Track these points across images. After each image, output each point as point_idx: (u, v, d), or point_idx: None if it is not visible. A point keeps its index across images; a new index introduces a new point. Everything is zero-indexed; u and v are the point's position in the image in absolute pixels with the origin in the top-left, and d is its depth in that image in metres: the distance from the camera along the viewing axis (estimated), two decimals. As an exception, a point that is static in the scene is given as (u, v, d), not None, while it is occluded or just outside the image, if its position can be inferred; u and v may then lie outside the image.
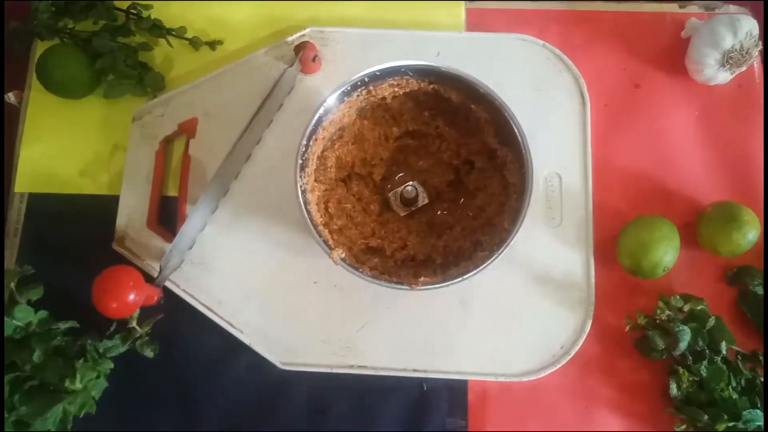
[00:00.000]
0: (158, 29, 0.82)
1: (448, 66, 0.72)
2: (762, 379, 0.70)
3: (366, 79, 0.72)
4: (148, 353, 0.72)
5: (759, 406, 0.68)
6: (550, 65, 0.81)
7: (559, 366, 0.73)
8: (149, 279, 0.73)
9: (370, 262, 0.71)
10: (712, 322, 0.71)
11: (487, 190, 0.76)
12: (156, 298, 0.73)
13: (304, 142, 0.70)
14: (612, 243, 0.75)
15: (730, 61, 0.77)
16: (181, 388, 0.74)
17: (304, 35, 0.82)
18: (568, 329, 0.74)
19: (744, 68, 0.78)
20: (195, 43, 0.83)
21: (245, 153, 0.78)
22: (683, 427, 0.70)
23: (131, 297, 0.68)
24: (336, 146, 0.76)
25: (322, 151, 0.75)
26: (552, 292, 0.75)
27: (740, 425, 0.67)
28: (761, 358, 0.72)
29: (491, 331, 0.74)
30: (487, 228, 0.73)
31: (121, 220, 0.77)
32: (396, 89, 0.75)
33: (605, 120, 0.81)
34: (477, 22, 0.84)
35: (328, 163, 0.75)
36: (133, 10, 0.82)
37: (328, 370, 0.73)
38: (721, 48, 0.76)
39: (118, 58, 0.79)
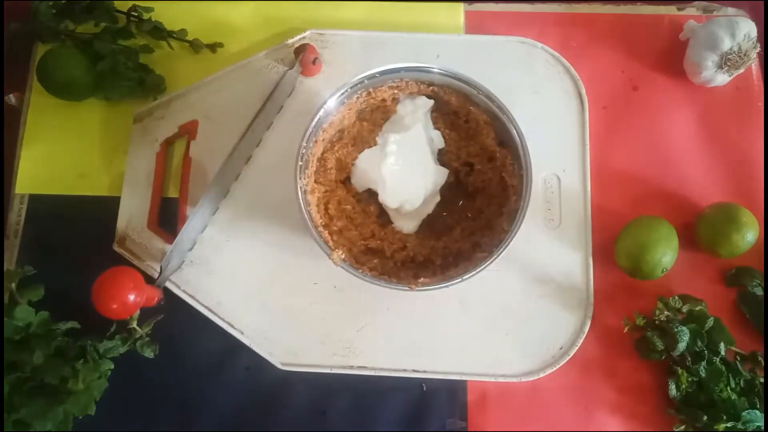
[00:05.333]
0: (159, 32, 0.83)
1: (447, 68, 0.73)
2: (761, 380, 0.70)
3: (366, 82, 0.73)
4: (149, 354, 0.72)
5: (758, 406, 0.68)
6: (548, 67, 0.82)
7: (558, 366, 0.73)
8: (150, 280, 0.73)
9: (370, 263, 0.72)
10: (711, 322, 0.71)
11: (486, 192, 0.76)
12: (156, 299, 0.73)
13: (304, 144, 0.70)
14: (611, 244, 0.76)
15: (729, 63, 0.77)
16: (181, 389, 0.74)
17: (304, 38, 0.83)
18: (567, 330, 0.74)
19: (742, 70, 0.78)
20: (196, 46, 0.83)
21: (246, 155, 0.79)
22: (682, 427, 0.70)
23: (131, 298, 0.68)
24: (336, 148, 0.76)
25: (322, 153, 0.75)
26: (551, 293, 0.75)
27: (739, 426, 0.67)
28: (761, 359, 0.72)
29: (490, 332, 0.74)
30: (486, 229, 0.73)
31: (122, 221, 0.78)
32: (395, 91, 0.75)
33: (604, 122, 0.81)
34: (476, 24, 0.85)
35: (328, 164, 0.75)
36: (134, 13, 0.83)
37: (328, 371, 0.73)
38: (720, 50, 0.77)
39: (119, 60, 0.79)
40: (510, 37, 0.83)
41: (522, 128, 0.71)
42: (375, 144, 0.78)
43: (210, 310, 0.75)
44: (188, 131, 0.80)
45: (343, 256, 0.69)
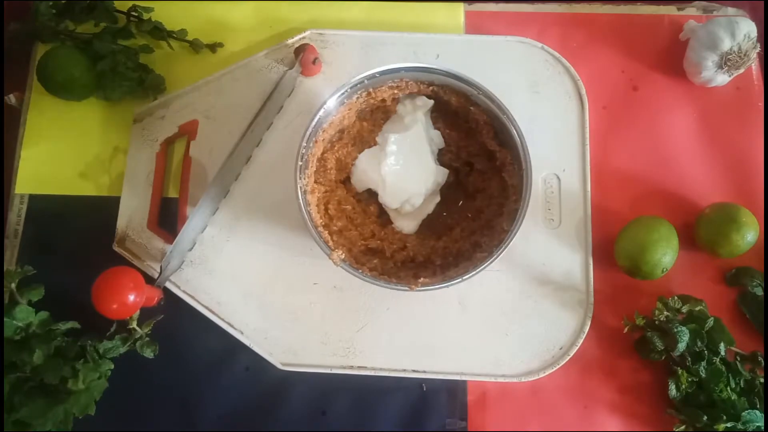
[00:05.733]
0: (159, 32, 0.83)
1: (447, 68, 0.73)
2: (761, 380, 0.70)
3: (365, 82, 0.73)
4: (148, 354, 0.72)
5: (758, 407, 0.68)
6: (548, 67, 0.82)
7: (558, 366, 0.73)
8: (149, 280, 0.73)
9: (370, 264, 0.72)
10: (710, 323, 0.71)
11: (486, 192, 0.76)
12: (156, 299, 0.73)
13: (304, 144, 0.70)
14: (611, 244, 0.76)
15: (728, 63, 0.77)
16: (181, 389, 0.74)
17: (304, 38, 0.83)
18: (567, 330, 0.74)
19: (742, 70, 0.78)
20: (195, 46, 0.83)
21: (245, 155, 0.79)
22: (682, 427, 0.70)
23: (131, 298, 0.68)
24: (336, 148, 0.76)
25: (322, 153, 0.75)
26: (551, 292, 0.75)
27: (739, 426, 0.67)
28: (761, 359, 0.72)
29: (490, 332, 0.74)
30: (486, 229, 0.73)
31: (122, 221, 0.78)
32: (395, 91, 0.75)
33: (604, 122, 0.81)
34: (476, 24, 0.85)
35: (328, 164, 0.75)
36: (133, 13, 0.83)
37: (328, 371, 0.74)
38: (719, 50, 0.77)
39: (119, 60, 0.80)
40: (510, 37, 0.83)
41: (522, 128, 0.71)
42: (375, 144, 0.78)
43: (210, 310, 0.75)
44: (188, 131, 0.80)
45: (342, 256, 0.69)
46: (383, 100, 0.76)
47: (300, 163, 0.70)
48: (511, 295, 0.75)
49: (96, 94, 0.82)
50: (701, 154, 0.80)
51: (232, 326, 0.74)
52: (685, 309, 0.72)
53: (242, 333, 0.74)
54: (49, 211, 0.80)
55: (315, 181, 0.74)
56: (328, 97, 0.71)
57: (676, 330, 0.69)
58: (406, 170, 0.75)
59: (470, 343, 0.74)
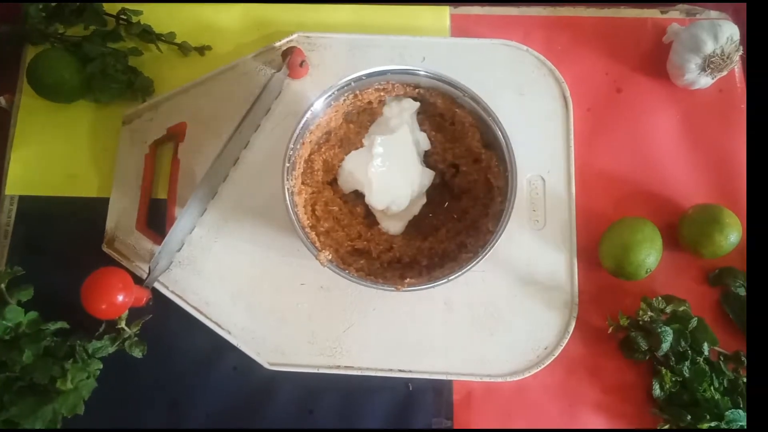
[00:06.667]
0: (148, 35, 0.83)
1: (433, 71, 0.73)
2: (744, 380, 0.70)
3: (352, 84, 0.73)
4: (137, 354, 0.73)
5: (741, 406, 0.69)
6: (533, 70, 0.82)
7: (543, 366, 0.74)
8: (138, 280, 0.73)
9: (357, 264, 0.72)
10: (694, 323, 0.72)
11: (471, 193, 0.77)
12: (145, 299, 0.74)
13: (291, 146, 0.71)
14: (595, 245, 0.76)
15: (711, 66, 0.78)
16: (170, 388, 0.75)
17: (291, 40, 0.83)
18: (551, 330, 0.75)
19: (725, 73, 0.79)
20: (184, 49, 0.84)
21: (233, 156, 0.79)
22: (666, 426, 0.70)
23: (120, 298, 0.69)
24: (323, 150, 0.77)
25: (309, 155, 0.76)
26: (536, 293, 0.76)
27: (723, 425, 0.68)
28: (744, 359, 0.72)
29: (476, 332, 0.75)
30: (471, 230, 0.74)
31: (111, 222, 0.78)
32: (382, 94, 0.76)
33: (588, 124, 0.82)
34: (461, 27, 0.86)
35: (315, 166, 0.76)
36: (123, 16, 0.83)
37: (315, 371, 0.74)
38: (702, 53, 0.77)
39: (108, 62, 0.80)
40: (495, 40, 0.83)
41: (507, 130, 0.72)
42: (362, 146, 0.78)
43: (198, 310, 0.75)
44: (176, 133, 0.81)
45: (329, 257, 0.69)
46: (370, 102, 0.76)
47: (287, 164, 0.71)
48: (496, 296, 0.76)
49: (85, 97, 0.82)
50: (684, 156, 0.81)
51: (220, 326, 0.75)
52: (668, 309, 0.72)
53: (230, 333, 0.75)
54: (38, 212, 0.80)
55: (302, 183, 0.75)
56: (315, 99, 0.72)
57: (659, 330, 0.70)
58: (392, 172, 0.75)
59: (456, 342, 0.75)
